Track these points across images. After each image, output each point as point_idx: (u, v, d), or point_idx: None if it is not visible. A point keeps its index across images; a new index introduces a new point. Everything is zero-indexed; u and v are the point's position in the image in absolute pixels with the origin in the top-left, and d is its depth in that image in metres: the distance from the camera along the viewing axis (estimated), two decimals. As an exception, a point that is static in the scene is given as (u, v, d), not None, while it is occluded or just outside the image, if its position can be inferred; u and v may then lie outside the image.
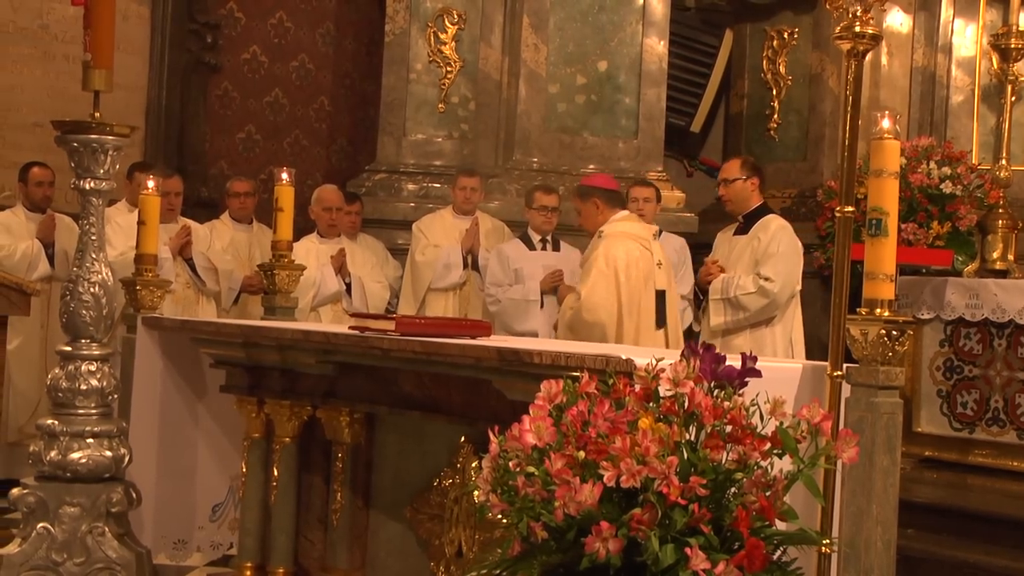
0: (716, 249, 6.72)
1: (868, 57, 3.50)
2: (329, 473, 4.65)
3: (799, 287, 6.49)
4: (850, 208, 3.36)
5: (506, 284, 7.19)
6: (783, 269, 6.33)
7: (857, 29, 3.36)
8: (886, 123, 3.30)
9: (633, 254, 6.03)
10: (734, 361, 2.81)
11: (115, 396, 4.61)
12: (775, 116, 9.02)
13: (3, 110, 8.22)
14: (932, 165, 7.73)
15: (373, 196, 8.25)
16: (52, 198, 7.43)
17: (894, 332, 3.21)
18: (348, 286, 7.41)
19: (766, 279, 6.31)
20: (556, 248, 7.36)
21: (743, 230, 6.54)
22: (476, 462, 3.93)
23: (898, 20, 8.68)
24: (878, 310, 3.23)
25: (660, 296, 6.12)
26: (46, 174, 7.38)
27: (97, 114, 4.45)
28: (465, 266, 7.46)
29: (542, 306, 7.12)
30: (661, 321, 6.11)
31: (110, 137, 4.42)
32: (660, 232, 6.33)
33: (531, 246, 7.31)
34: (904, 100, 8.69)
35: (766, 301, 6.32)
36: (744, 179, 6.50)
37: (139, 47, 8.72)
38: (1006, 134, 6.35)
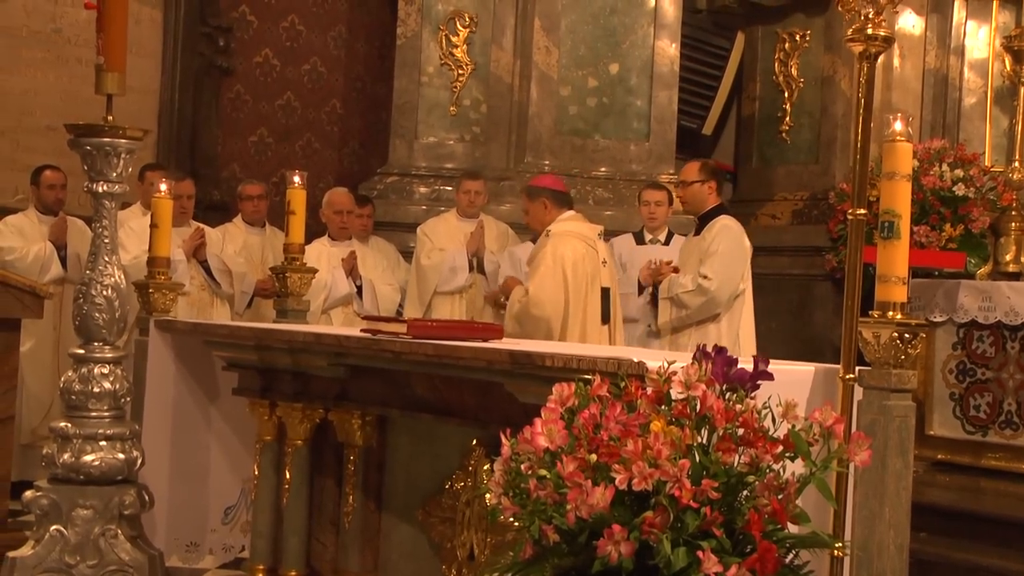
0: (680, 251, 6.92)
1: (880, 59, 3.49)
2: (341, 476, 4.66)
3: (744, 285, 6.63)
4: (862, 210, 3.36)
5: (518, 286, 7.19)
6: (721, 268, 6.49)
7: (869, 31, 3.35)
8: (898, 125, 3.29)
9: (579, 252, 6.17)
10: (746, 364, 2.80)
11: (128, 399, 4.61)
12: (787, 118, 9.00)
13: (17, 113, 8.25)
14: (945, 167, 7.71)
15: (385, 199, 8.26)
16: (64, 201, 7.45)
17: (906, 335, 3.20)
18: (359, 289, 7.41)
19: (704, 277, 6.48)
20: (568, 250, 7.35)
21: (697, 231, 6.74)
22: (488, 465, 3.92)
23: (910, 22, 8.66)
24: (890, 313, 3.22)
25: (605, 293, 6.29)
26: (58, 177, 7.40)
27: (110, 117, 4.44)
28: (471, 269, 7.46)
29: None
30: (606, 317, 6.28)
31: (123, 140, 4.42)
32: (603, 233, 6.60)
33: (543, 248, 7.30)
34: (916, 102, 8.67)
35: (704, 299, 6.49)
36: (702, 182, 6.65)
37: (152, 50, 8.74)
38: (1019, 136, 6.32)
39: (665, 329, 6.60)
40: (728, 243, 6.54)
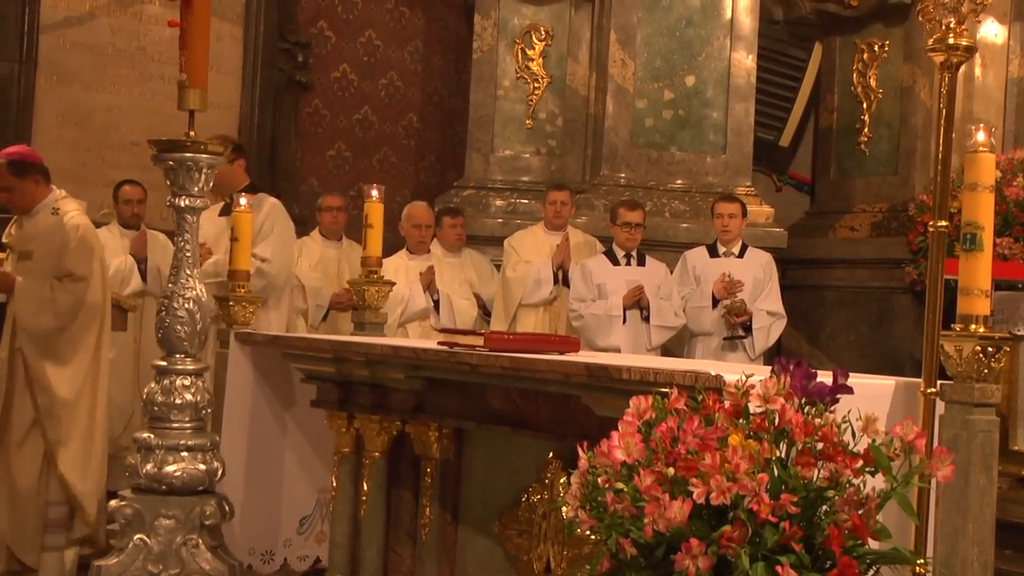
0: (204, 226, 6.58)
1: (962, 69, 3.44)
2: (418, 488, 4.68)
3: (296, 268, 6.53)
4: (944, 222, 3.32)
5: (589, 299, 7.19)
6: (279, 250, 6.34)
7: (951, 41, 3.31)
8: (981, 136, 3.25)
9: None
10: (825, 377, 2.78)
11: (208, 410, 4.68)
12: (865, 130, 8.90)
13: (102, 130, 8.41)
14: (1028, 178, 7.58)
15: (461, 212, 8.29)
16: (142, 215, 7.57)
17: (989, 348, 3.15)
18: (436, 303, 7.44)
19: (263, 260, 6.26)
20: (641, 263, 7.34)
21: (227, 211, 6.25)
22: (564, 478, 3.93)
23: (992, 31, 8.53)
24: (973, 326, 3.17)
25: None
26: (135, 192, 7.53)
27: (192, 133, 4.52)
28: (556, 281, 7.45)
29: (624, 321, 7.12)
30: None
31: (204, 155, 4.50)
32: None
33: (615, 261, 7.30)
34: (999, 112, 8.53)
35: (264, 283, 6.24)
36: (231, 161, 6.33)
37: (232, 67, 8.87)
38: (1105, 146, 6.21)
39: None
40: (283, 225, 6.37)
